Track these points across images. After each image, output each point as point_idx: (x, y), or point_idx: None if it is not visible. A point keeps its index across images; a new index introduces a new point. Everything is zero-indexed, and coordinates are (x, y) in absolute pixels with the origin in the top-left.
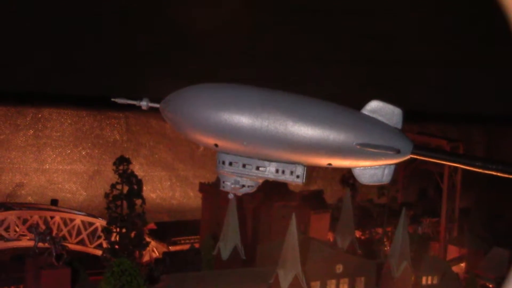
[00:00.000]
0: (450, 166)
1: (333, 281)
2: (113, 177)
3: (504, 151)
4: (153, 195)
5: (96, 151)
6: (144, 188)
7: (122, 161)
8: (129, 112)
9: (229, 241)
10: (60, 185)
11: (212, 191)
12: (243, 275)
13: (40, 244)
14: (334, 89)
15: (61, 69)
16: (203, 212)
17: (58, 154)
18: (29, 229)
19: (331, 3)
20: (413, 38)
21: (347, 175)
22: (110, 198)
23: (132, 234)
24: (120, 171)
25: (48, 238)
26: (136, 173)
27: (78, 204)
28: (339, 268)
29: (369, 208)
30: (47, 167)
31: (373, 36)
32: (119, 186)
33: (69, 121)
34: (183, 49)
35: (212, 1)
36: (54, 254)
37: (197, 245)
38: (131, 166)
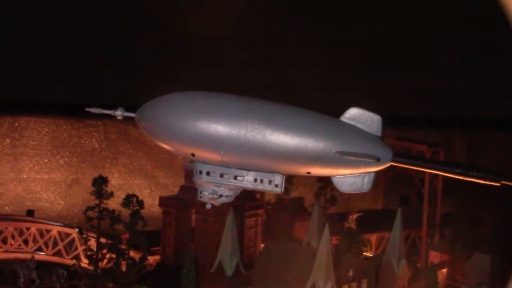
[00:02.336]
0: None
1: (346, 286)
2: (91, 186)
3: (485, 156)
4: None
5: (74, 159)
6: (123, 196)
7: (100, 180)
8: (107, 120)
9: (233, 256)
10: (38, 195)
11: (173, 204)
12: None
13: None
14: (314, 95)
15: (38, 77)
16: (164, 227)
17: (36, 163)
18: (15, 265)
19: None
20: (396, 44)
21: None
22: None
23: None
24: (99, 191)
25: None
26: (115, 181)
27: (57, 214)
28: (350, 272)
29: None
30: (25, 176)
31: (355, 41)
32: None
33: (47, 130)
34: (169, 54)
35: (208, 7)
36: None
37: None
38: (109, 174)
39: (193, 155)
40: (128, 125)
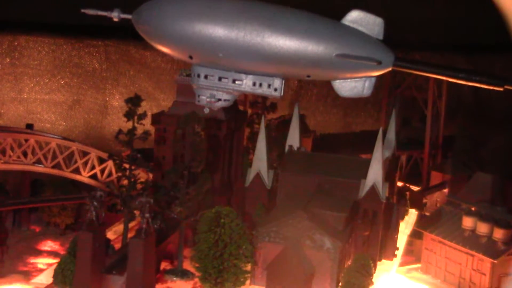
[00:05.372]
0: (434, 92)
1: None
2: (92, 107)
3: None
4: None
5: (75, 80)
6: (125, 118)
7: (135, 100)
8: (108, 40)
9: (269, 168)
10: (39, 115)
11: (167, 121)
12: None
13: None
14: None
15: None
16: (158, 145)
17: (36, 83)
18: (87, 198)
19: None
20: None
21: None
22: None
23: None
24: (133, 111)
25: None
26: (116, 103)
27: (58, 134)
28: None
29: None
30: (25, 96)
31: None
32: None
33: (47, 50)
34: None
35: None
36: (154, 225)
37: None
38: (110, 96)
39: (190, 57)
40: (129, 45)
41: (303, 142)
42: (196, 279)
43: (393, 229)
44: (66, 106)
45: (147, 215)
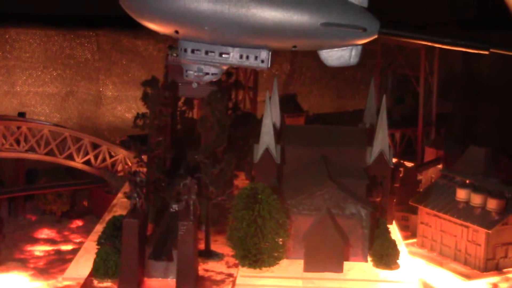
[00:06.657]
0: (425, 68)
1: None
2: (86, 98)
3: (482, 56)
4: (128, 115)
5: (68, 71)
6: (119, 108)
7: (154, 82)
8: (99, 30)
9: (276, 143)
10: (32, 108)
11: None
12: None
13: None
14: None
15: None
16: (155, 129)
17: (29, 76)
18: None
19: None
20: None
21: None
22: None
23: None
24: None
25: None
26: (110, 92)
27: None
28: None
29: None
30: (18, 89)
31: None
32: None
33: (38, 42)
34: None
35: None
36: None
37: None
38: (104, 86)
39: (177, 32)
40: (121, 35)
41: (295, 121)
42: (226, 259)
43: (392, 194)
44: (60, 97)
45: (193, 197)
